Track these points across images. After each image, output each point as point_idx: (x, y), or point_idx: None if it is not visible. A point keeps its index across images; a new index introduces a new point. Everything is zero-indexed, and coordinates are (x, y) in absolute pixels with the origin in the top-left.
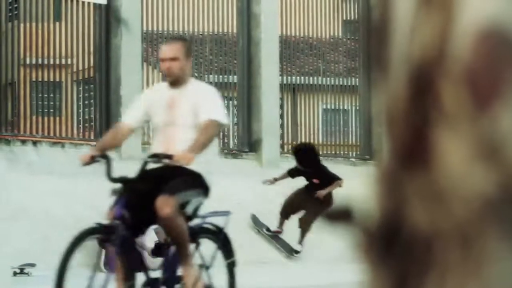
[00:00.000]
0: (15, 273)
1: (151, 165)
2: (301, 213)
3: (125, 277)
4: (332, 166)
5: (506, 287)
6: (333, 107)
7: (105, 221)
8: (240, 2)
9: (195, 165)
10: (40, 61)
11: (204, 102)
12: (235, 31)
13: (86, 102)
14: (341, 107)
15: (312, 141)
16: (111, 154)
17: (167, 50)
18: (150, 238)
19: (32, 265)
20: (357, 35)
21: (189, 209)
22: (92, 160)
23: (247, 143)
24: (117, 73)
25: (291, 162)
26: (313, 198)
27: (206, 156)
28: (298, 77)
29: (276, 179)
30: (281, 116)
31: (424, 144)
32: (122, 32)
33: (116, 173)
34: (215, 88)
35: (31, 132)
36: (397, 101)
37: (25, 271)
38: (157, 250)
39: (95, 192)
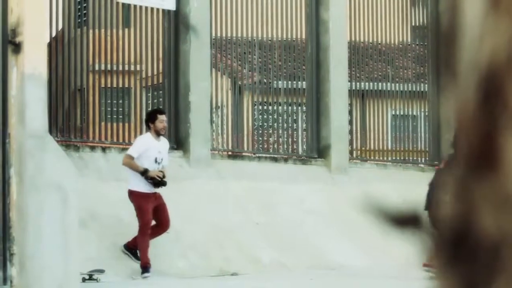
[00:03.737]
0: (84, 279)
1: None
2: None
3: None
4: (401, 172)
5: None
6: (402, 113)
7: None
8: (309, 8)
9: None
10: (109, 67)
11: None
12: (304, 37)
13: (155, 108)
14: (410, 113)
15: (380, 147)
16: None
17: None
18: None
19: (101, 271)
20: (426, 40)
21: None
22: None
23: (316, 149)
24: (186, 79)
25: (360, 168)
26: None
27: None
28: (366, 83)
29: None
30: (350, 122)
31: (492, 149)
32: (191, 38)
33: (187, 177)
34: None
35: (100, 138)
36: (466, 107)
37: (94, 277)
38: None
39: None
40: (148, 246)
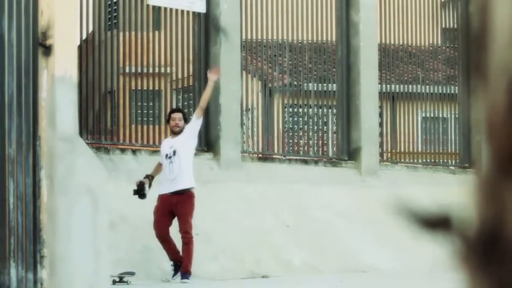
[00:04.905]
0: (114, 282)
1: None
2: None
3: None
4: (432, 174)
5: None
6: (432, 115)
7: None
8: (339, 11)
9: None
10: (139, 69)
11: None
12: (334, 39)
13: (186, 110)
14: (440, 115)
15: (411, 149)
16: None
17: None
18: None
19: (132, 273)
20: (456, 43)
21: None
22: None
23: (346, 151)
24: (216, 82)
25: (390, 170)
26: None
27: None
28: (397, 85)
29: None
30: (380, 124)
31: None
32: (221, 40)
33: (217, 179)
34: None
35: (130, 140)
36: (497, 109)
37: (125, 279)
38: None
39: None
40: (168, 249)
